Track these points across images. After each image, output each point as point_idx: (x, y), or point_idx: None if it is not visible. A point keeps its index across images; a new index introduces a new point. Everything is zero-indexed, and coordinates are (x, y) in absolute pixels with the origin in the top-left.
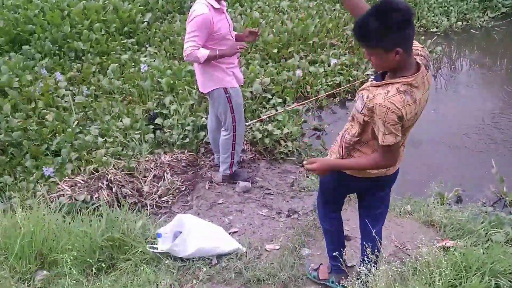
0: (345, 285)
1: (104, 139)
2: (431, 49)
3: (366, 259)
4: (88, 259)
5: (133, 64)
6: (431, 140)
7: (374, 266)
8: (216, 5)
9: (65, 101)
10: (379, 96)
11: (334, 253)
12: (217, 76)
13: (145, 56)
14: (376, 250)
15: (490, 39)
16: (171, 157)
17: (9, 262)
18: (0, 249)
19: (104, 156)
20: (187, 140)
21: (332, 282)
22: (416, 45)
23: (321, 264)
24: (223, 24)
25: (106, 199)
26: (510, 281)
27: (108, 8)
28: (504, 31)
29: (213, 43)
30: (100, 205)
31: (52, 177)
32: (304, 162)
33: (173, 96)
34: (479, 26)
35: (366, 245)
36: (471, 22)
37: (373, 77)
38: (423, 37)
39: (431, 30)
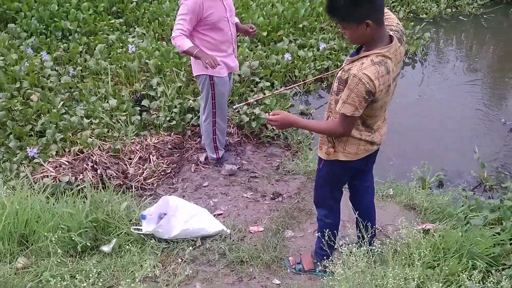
0: (332, 271)
1: (89, 120)
2: (420, 35)
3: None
4: (73, 239)
5: (121, 44)
6: (415, 125)
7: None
8: None
9: (51, 81)
10: (354, 68)
11: (329, 245)
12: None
13: (133, 36)
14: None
15: (479, 26)
16: (157, 139)
17: None
18: None
19: (90, 137)
20: (174, 122)
21: (319, 270)
22: (391, 19)
23: (300, 254)
24: (217, 9)
25: (91, 180)
26: (486, 263)
27: None
28: (492, 19)
29: (204, 29)
30: (84, 187)
31: (36, 158)
32: (267, 114)
33: (161, 78)
34: (468, 13)
35: (372, 222)
36: (460, 8)
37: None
38: (412, 23)
39: (421, 16)
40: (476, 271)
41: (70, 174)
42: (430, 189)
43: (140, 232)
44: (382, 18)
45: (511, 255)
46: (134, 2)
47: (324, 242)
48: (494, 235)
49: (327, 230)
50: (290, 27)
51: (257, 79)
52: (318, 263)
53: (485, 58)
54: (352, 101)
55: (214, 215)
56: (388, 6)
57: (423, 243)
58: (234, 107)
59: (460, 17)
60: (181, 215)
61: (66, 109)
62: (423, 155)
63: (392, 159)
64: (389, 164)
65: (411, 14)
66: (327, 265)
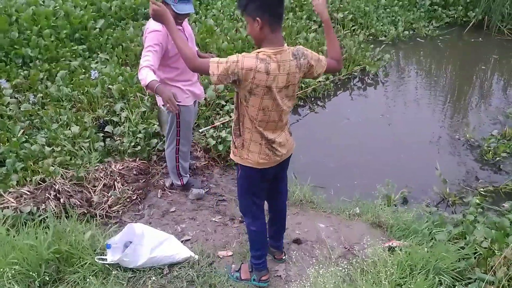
0: (267, 281)
1: (51, 148)
2: (380, 57)
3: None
4: (32, 273)
5: (83, 70)
6: (378, 144)
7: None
8: None
9: (10, 109)
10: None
11: (258, 253)
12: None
13: (96, 62)
14: None
15: (435, 47)
16: (122, 165)
17: None
18: None
19: (52, 165)
20: (139, 148)
21: (254, 279)
22: (308, 50)
23: (242, 263)
24: None
25: (54, 210)
26: (452, 278)
27: (59, 14)
28: (447, 40)
29: (168, 59)
30: (47, 217)
31: None
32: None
33: (124, 103)
34: (425, 35)
35: (283, 221)
36: (417, 31)
37: None
38: (372, 45)
39: (380, 38)
40: (442, 286)
41: (31, 204)
42: (395, 206)
43: (105, 262)
44: (276, 24)
45: (476, 269)
46: (98, 29)
47: (256, 247)
48: (459, 250)
49: (254, 236)
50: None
51: (223, 102)
52: (254, 272)
53: (443, 77)
54: (224, 68)
55: (182, 241)
56: (348, 30)
57: (389, 261)
58: (200, 130)
59: (417, 38)
60: (147, 243)
61: (27, 137)
62: (387, 173)
63: (356, 179)
64: (354, 183)
65: (371, 37)
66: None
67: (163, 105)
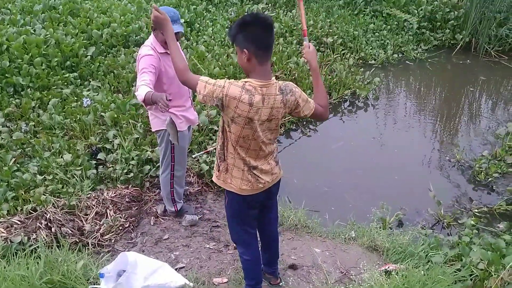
0: None
1: (43, 176)
2: (370, 80)
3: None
4: None
5: (75, 98)
6: (371, 167)
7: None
8: (160, 50)
9: (2, 138)
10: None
11: (253, 282)
12: (164, 118)
13: (88, 90)
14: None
15: (424, 70)
16: (114, 193)
17: None
18: None
19: (43, 194)
20: (131, 175)
21: None
22: (298, 89)
23: None
24: (171, 65)
25: (45, 239)
26: None
27: (49, 42)
28: (436, 62)
29: (165, 87)
30: (38, 247)
31: None
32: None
33: (117, 130)
34: (414, 58)
35: (275, 247)
36: (406, 54)
37: None
38: (362, 69)
39: (369, 62)
40: None
41: (22, 234)
42: (391, 229)
43: None
44: (264, 56)
45: None
46: (89, 56)
47: (251, 277)
48: (455, 272)
49: (248, 266)
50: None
51: (216, 128)
52: None
53: (432, 100)
54: (210, 90)
55: (176, 269)
56: (338, 54)
57: (385, 285)
58: (193, 156)
59: (406, 61)
60: (141, 271)
61: (18, 166)
62: (381, 195)
63: (350, 202)
64: (349, 207)
65: (360, 61)
66: None
67: (166, 124)
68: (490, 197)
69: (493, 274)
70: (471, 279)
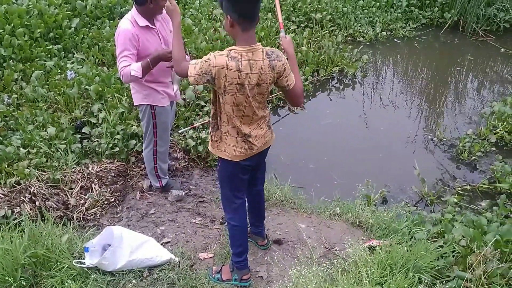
0: (248, 281)
1: (26, 150)
2: (358, 58)
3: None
4: (8, 278)
5: (59, 71)
6: (357, 144)
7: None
8: (142, 23)
9: None
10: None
11: (239, 250)
12: (145, 93)
13: (72, 62)
14: None
15: (412, 48)
16: (100, 167)
17: None
18: None
19: (27, 167)
20: (117, 149)
21: (235, 279)
22: (285, 58)
23: (223, 265)
24: (152, 42)
25: (29, 213)
26: (431, 276)
27: (32, 12)
28: (424, 41)
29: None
30: (22, 220)
31: None
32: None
33: (102, 103)
34: (402, 36)
35: (261, 206)
36: (394, 32)
37: None
38: (350, 46)
39: (358, 39)
40: (422, 285)
41: (6, 207)
42: (375, 205)
43: (84, 266)
44: (247, 24)
45: (454, 267)
46: (73, 28)
47: (237, 244)
48: (438, 248)
49: (235, 232)
50: None
51: (202, 103)
52: (235, 272)
53: (419, 78)
54: (199, 68)
55: (162, 244)
56: (327, 31)
57: (369, 260)
58: (180, 131)
59: (395, 39)
60: (126, 245)
61: (1, 139)
62: (366, 173)
63: (336, 179)
64: (334, 184)
65: (349, 38)
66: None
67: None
68: (473, 175)
69: (475, 250)
70: (453, 256)
